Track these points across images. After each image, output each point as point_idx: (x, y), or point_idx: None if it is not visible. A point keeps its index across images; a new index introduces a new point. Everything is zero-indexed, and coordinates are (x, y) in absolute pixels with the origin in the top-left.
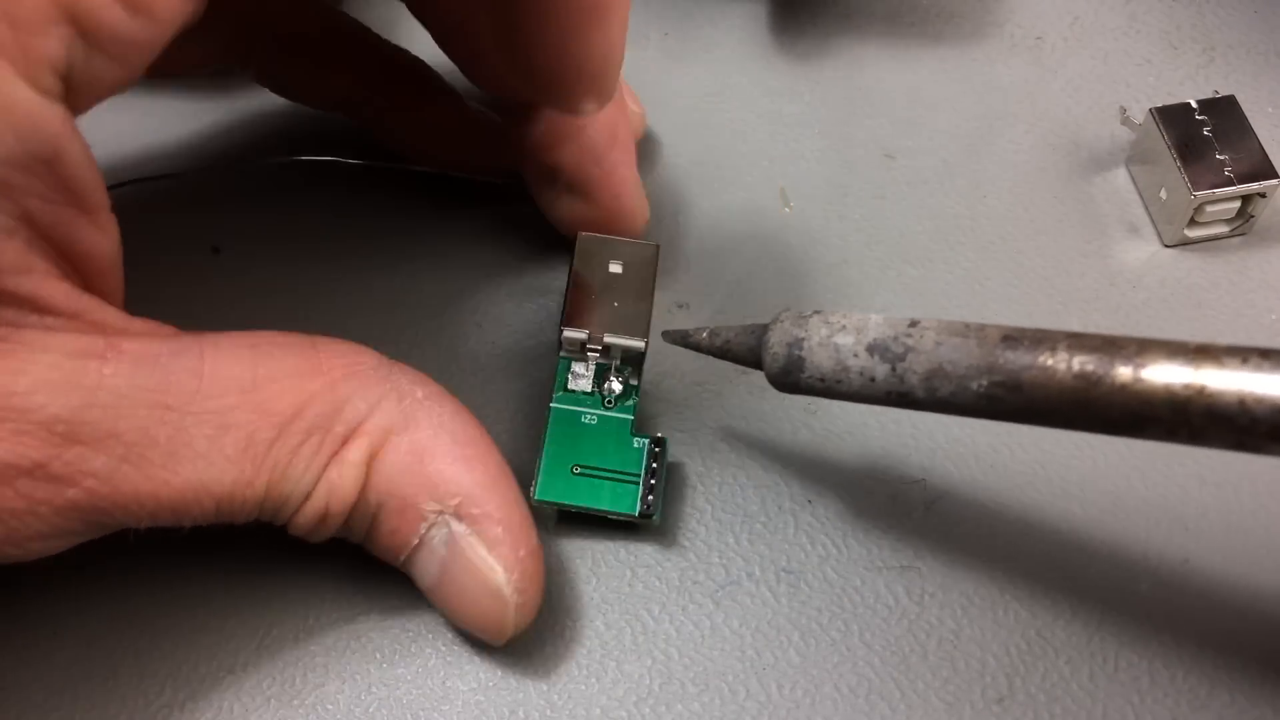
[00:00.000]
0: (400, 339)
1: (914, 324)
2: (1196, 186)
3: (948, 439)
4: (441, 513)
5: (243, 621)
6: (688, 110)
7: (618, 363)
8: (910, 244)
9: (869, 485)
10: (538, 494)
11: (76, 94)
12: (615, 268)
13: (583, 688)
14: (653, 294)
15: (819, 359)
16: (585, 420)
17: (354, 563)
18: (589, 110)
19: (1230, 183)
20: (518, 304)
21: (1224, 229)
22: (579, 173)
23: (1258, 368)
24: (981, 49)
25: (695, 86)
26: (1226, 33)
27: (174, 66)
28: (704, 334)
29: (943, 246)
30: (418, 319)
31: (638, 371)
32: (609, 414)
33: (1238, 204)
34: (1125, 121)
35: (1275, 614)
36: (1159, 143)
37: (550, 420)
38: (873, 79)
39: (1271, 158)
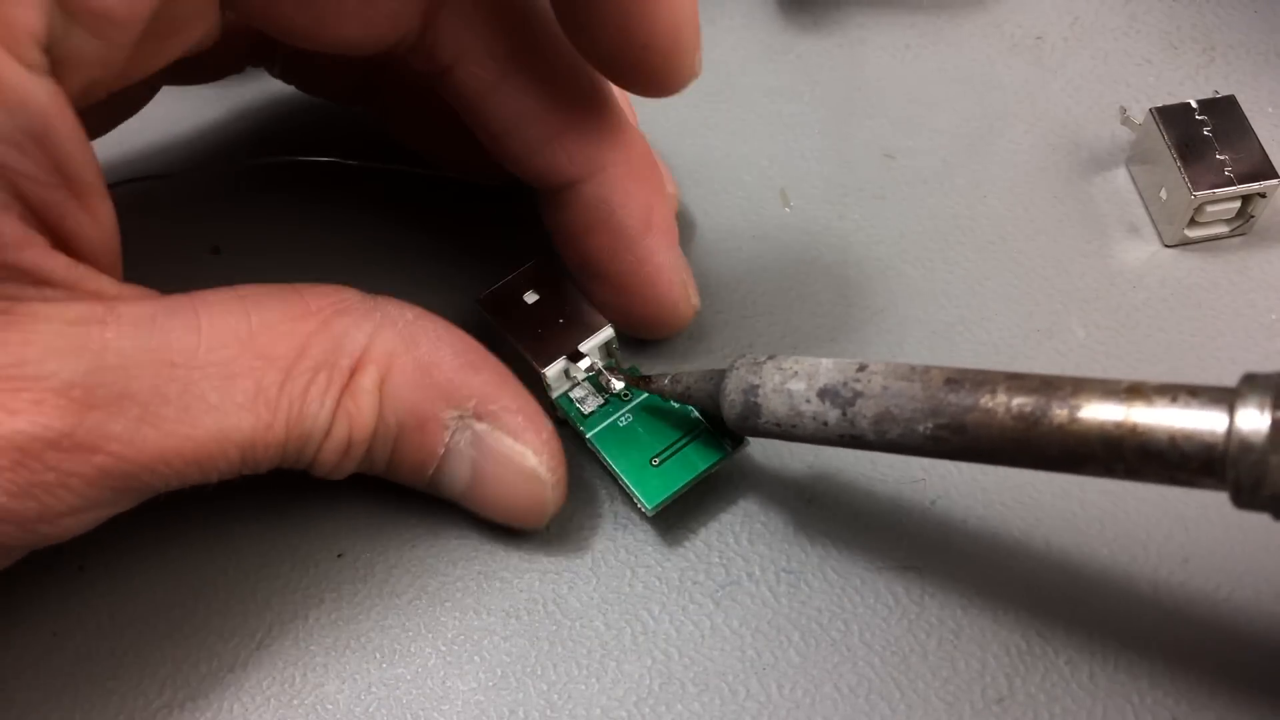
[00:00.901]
0: None
1: (862, 368)
2: (1196, 186)
3: None
4: (462, 417)
5: (243, 621)
6: (688, 110)
7: (600, 362)
8: (910, 244)
9: (869, 485)
10: (649, 505)
11: (63, 70)
12: (530, 298)
13: (583, 688)
14: (578, 292)
15: (774, 405)
16: (623, 424)
17: (353, 562)
18: (669, 93)
19: (1230, 183)
20: None
21: (1224, 229)
22: (611, 262)
23: (1186, 405)
24: (981, 49)
25: (695, 86)
26: (1226, 33)
27: (204, 74)
28: (665, 380)
29: (943, 246)
30: None
31: (617, 359)
32: (633, 403)
33: (1238, 204)
34: (1125, 121)
35: (1275, 614)
36: (1159, 143)
37: (599, 449)
38: (873, 78)
39: (1271, 158)
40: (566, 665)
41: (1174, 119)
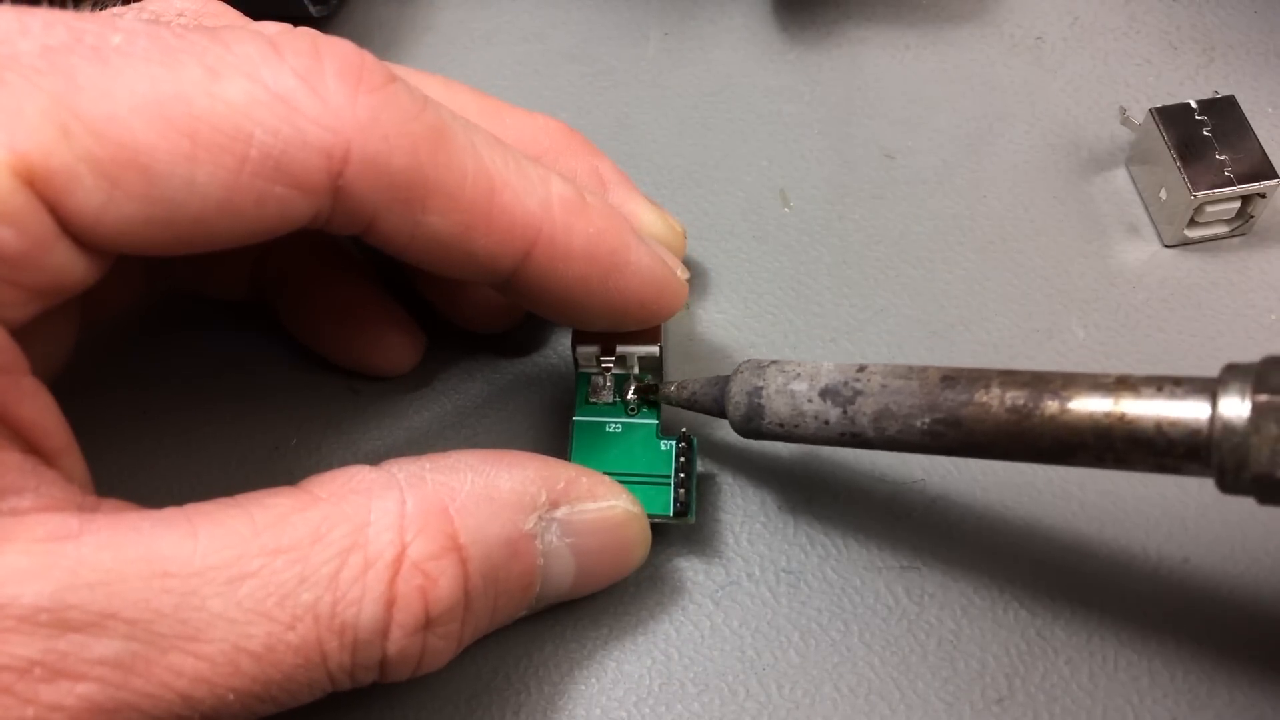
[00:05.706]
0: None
1: (862, 369)
2: (1196, 186)
3: None
4: (541, 517)
5: None
6: (688, 110)
7: (636, 370)
8: (910, 244)
9: (869, 485)
10: None
11: None
12: None
13: (583, 688)
14: None
15: (777, 406)
16: (610, 430)
17: None
18: (668, 317)
19: (1230, 183)
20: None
21: (1224, 229)
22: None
23: (1171, 395)
24: (981, 49)
25: (695, 86)
26: (1226, 33)
27: (102, 312)
28: (671, 387)
29: (943, 246)
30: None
31: (659, 376)
32: (633, 420)
33: (1238, 204)
34: (1125, 121)
35: (1275, 614)
36: (1159, 143)
37: (573, 434)
38: (873, 79)
39: (1271, 158)
40: (567, 665)
41: (1174, 119)
